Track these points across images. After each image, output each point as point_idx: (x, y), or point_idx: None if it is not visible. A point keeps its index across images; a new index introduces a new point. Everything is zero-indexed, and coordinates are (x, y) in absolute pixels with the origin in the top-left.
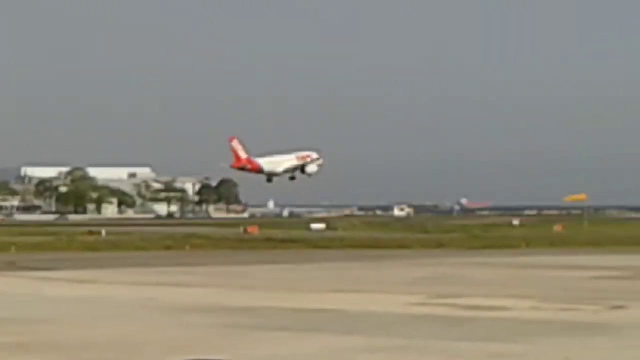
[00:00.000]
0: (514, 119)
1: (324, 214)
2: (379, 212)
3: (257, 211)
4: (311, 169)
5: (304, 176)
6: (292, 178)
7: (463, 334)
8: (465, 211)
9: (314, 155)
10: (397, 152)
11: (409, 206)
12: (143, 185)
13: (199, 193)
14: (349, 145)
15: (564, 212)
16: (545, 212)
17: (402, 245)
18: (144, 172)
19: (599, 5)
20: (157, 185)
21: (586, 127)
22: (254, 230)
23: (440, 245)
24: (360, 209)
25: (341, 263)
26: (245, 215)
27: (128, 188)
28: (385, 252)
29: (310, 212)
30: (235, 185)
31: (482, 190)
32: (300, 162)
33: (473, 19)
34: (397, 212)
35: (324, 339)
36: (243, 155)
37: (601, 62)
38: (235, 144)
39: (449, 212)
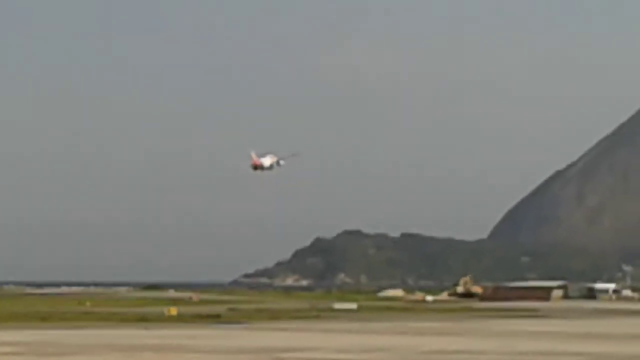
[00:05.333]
0: None
1: None
2: None
3: None
4: (282, 162)
5: None
6: (270, 168)
7: None
8: None
9: (274, 157)
10: None
11: None
12: None
13: None
14: None
15: None
16: None
17: None
18: None
19: None
20: None
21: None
22: None
23: None
24: None
25: None
26: None
27: None
28: None
29: None
30: None
31: None
32: (275, 159)
33: None
34: None
35: None
36: (256, 158)
37: None
38: (254, 155)
39: None
